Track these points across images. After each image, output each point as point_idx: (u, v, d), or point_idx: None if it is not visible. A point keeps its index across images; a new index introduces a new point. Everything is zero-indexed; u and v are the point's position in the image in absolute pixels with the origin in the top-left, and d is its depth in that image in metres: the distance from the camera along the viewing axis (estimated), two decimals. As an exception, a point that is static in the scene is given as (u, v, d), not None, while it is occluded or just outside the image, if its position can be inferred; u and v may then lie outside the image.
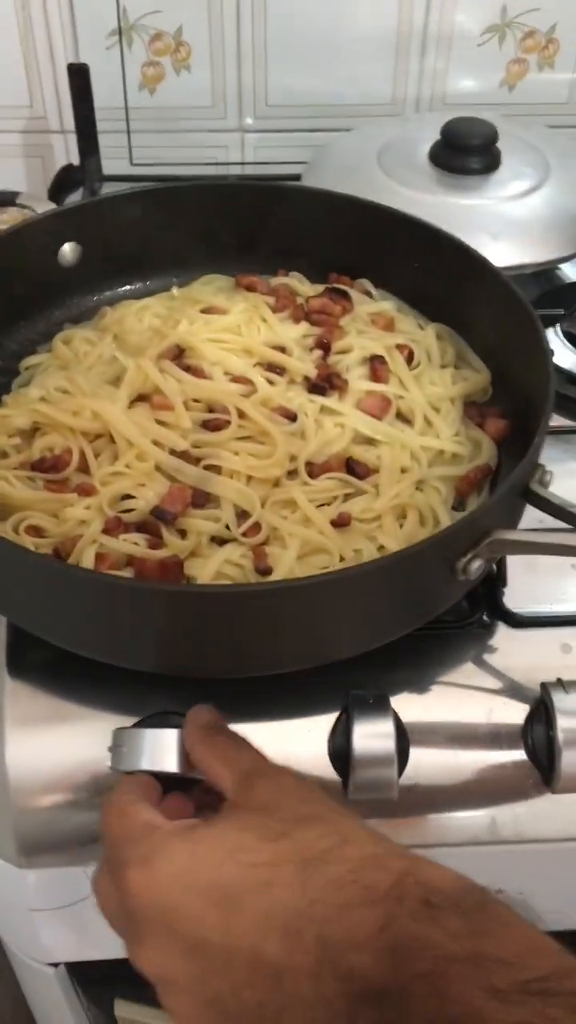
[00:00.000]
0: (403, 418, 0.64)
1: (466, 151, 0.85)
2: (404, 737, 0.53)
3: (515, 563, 0.60)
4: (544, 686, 0.53)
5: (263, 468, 0.57)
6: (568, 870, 0.57)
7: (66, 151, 1.03)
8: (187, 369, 0.62)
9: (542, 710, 0.53)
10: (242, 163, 1.06)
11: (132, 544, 0.54)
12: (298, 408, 0.61)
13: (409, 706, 0.54)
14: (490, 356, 0.68)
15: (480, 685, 0.56)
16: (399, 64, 1.01)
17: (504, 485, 0.51)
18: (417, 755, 0.53)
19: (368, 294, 0.73)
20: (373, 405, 0.63)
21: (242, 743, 0.44)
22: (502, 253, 0.78)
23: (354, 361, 0.66)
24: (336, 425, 0.61)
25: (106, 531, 0.54)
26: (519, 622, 0.58)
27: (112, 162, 0.97)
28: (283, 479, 0.58)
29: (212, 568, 0.53)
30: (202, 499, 0.56)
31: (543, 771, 0.53)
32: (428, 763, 0.53)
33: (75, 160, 0.98)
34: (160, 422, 0.59)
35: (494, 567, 0.59)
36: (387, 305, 0.72)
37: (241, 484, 0.57)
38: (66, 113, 0.98)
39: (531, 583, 0.60)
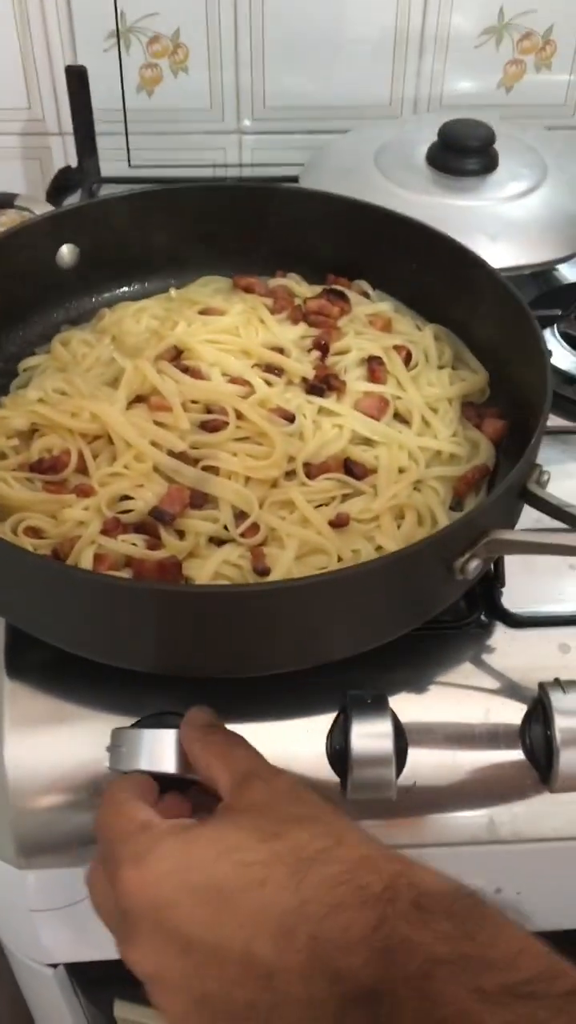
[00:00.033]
0: (401, 419, 0.64)
1: (464, 152, 0.85)
2: (402, 737, 0.53)
3: (513, 563, 0.60)
4: (542, 686, 0.53)
5: (261, 469, 0.58)
6: (566, 869, 0.57)
7: (64, 153, 1.03)
8: (185, 370, 0.62)
9: (540, 710, 0.53)
10: (240, 165, 1.06)
11: (130, 545, 0.54)
12: (296, 409, 0.61)
13: (407, 706, 0.54)
14: (488, 357, 0.68)
15: (478, 685, 0.56)
16: (396, 66, 1.01)
17: (502, 485, 0.51)
18: (415, 755, 0.53)
19: (366, 295, 0.74)
20: (371, 406, 0.63)
21: (239, 744, 0.44)
22: (500, 254, 0.78)
23: (352, 362, 0.66)
24: (334, 426, 0.61)
25: (104, 532, 0.54)
26: (517, 622, 0.58)
27: (110, 164, 0.98)
28: (281, 480, 0.58)
29: (210, 569, 0.53)
30: (200, 500, 0.56)
31: (541, 771, 0.53)
32: (426, 763, 0.53)
33: (73, 162, 0.98)
34: (158, 423, 0.59)
35: (492, 567, 0.59)
36: (385, 306, 0.72)
37: (239, 485, 0.57)
38: (64, 115, 0.98)
39: (529, 583, 0.60)
